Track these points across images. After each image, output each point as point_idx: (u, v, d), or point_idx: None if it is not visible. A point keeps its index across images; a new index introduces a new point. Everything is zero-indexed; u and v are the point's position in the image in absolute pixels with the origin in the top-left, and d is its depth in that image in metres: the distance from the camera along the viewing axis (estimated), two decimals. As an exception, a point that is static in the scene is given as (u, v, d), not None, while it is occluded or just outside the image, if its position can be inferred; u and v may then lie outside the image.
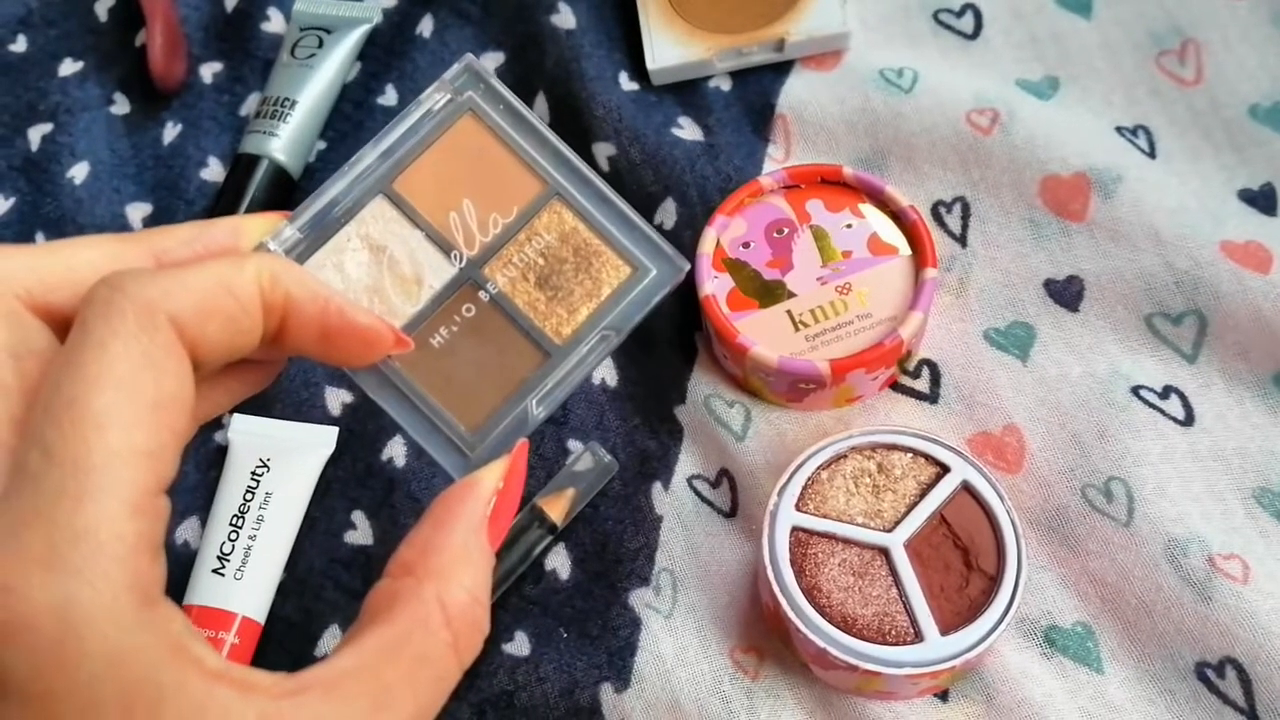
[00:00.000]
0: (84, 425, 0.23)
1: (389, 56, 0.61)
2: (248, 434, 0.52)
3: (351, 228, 0.32)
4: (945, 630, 0.43)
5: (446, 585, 0.27)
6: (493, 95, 0.33)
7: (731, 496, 0.49)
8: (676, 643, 0.47)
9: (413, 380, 0.32)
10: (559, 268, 0.33)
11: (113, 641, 0.22)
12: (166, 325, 0.25)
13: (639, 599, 0.48)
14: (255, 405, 0.53)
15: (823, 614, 0.43)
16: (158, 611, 0.24)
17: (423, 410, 0.31)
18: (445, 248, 0.33)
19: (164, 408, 0.25)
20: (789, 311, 0.49)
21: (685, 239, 0.53)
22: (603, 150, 0.55)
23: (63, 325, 0.27)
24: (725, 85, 0.57)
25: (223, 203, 0.56)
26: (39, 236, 0.58)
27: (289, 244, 0.32)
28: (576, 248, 0.33)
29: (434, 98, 0.33)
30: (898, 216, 0.50)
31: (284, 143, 0.57)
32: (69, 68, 0.62)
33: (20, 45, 0.63)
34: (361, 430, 0.52)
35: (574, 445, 0.51)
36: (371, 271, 0.32)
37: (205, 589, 0.48)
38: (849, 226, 0.50)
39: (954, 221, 0.52)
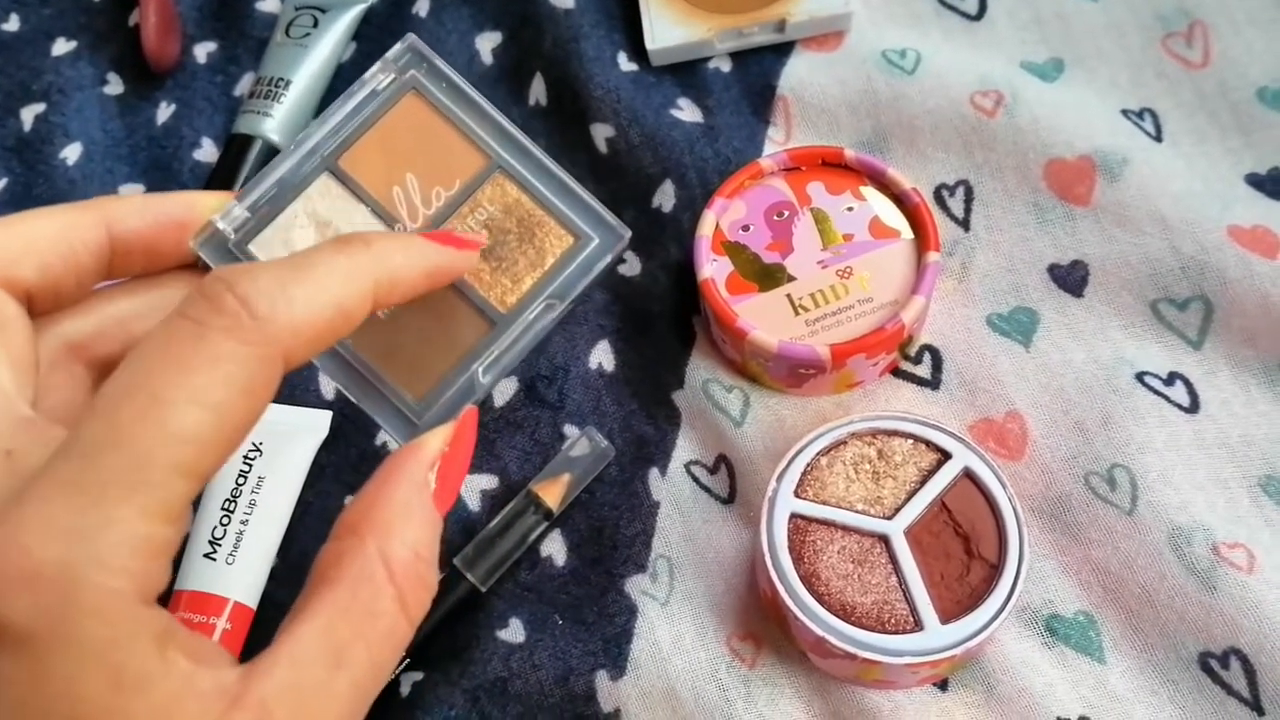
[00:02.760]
0: (164, 432, 0.23)
1: (385, 36, 0.60)
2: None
3: (298, 205, 0.33)
4: (945, 619, 0.42)
5: (389, 541, 0.27)
6: (435, 73, 0.34)
7: (729, 483, 0.49)
8: (673, 630, 0.46)
9: (358, 351, 0.32)
10: (503, 239, 0.33)
11: (109, 631, 0.23)
12: (279, 358, 0.25)
13: (635, 586, 0.48)
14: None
15: (821, 602, 0.42)
16: (153, 612, 0.24)
17: (369, 380, 0.32)
18: (389, 221, 0.33)
19: (239, 438, 0.25)
20: (789, 295, 0.48)
21: (684, 221, 0.52)
22: (601, 131, 0.54)
23: (27, 296, 0.27)
24: (725, 66, 0.56)
25: (216, 183, 0.56)
26: (31, 217, 0.58)
27: (237, 222, 0.32)
28: (520, 219, 0.34)
29: (378, 78, 0.34)
30: (900, 199, 0.49)
31: (278, 123, 0.56)
32: (62, 47, 0.62)
33: (13, 24, 0.62)
34: (355, 415, 0.52)
35: (570, 430, 0.51)
36: None
37: (197, 573, 0.48)
38: (850, 209, 0.49)
39: (957, 205, 0.51)
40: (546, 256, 0.33)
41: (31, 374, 0.28)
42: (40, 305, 0.29)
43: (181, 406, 0.24)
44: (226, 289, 0.25)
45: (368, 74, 0.34)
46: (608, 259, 0.34)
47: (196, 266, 0.32)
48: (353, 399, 0.32)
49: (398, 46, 0.34)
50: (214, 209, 0.31)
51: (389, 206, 0.33)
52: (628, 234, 0.34)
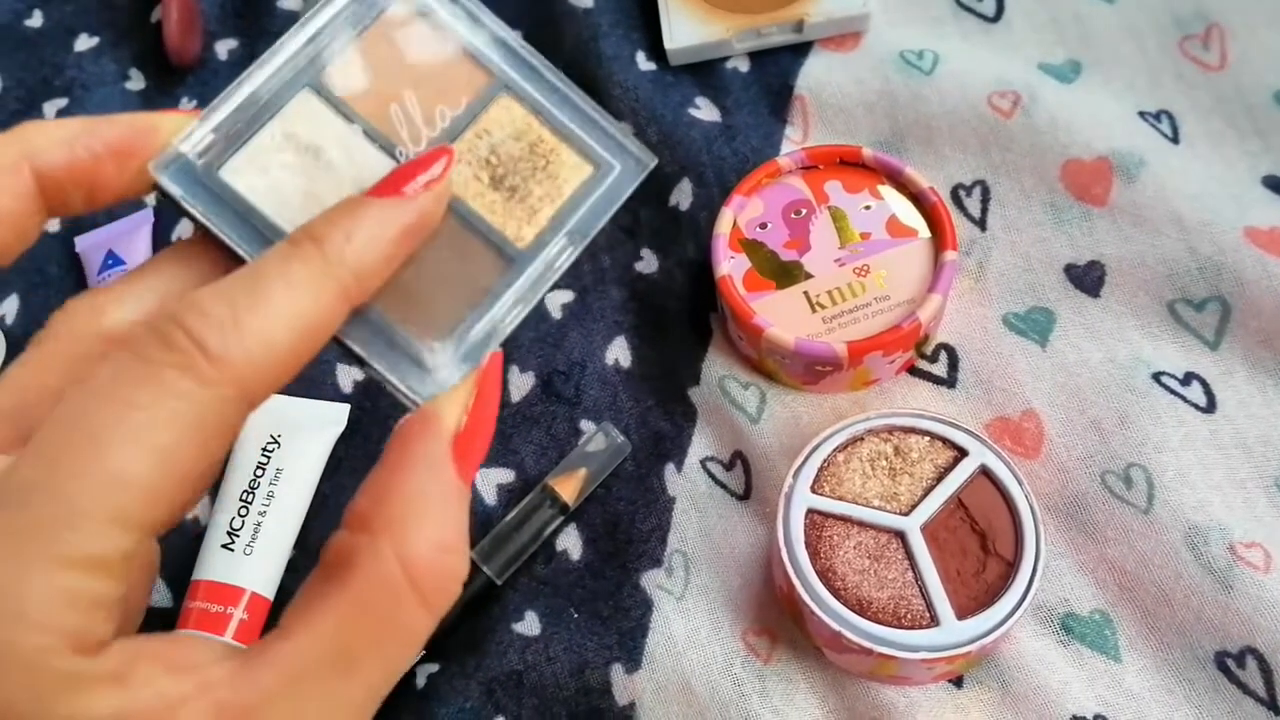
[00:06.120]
0: (100, 476, 0.21)
1: (405, 35, 0.61)
2: (258, 410, 0.51)
3: (275, 125, 0.28)
4: (961, 615, 0.42)
5: (405, 539, 0.24)
6: None
7: (745, 479, 0.49)
8: (688, 624, 0.47)
9: None
10: (514, 167, 0.29)
11: (37, 692, 0.21)
12: (239, 397, 0.23)
13: (651, 580, 0.48)
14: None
15: (837, 597, 0.43)
16: (95, 659, 0.22)
17: (379, 326, 0.27)
18: (387, 145, 0.29)
19: (193, 486, 0.23)
20: (806, 293, 0.48)
21: (701, 219, 0.53)
22: (619, 130, 0.55)
23: None
24: (743, 66, 0.56)
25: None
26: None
27: (200, 145, 0.27)
28: (532, 145, 0.30)
29: None
30: (917, 198, 0.49)
31: (299, 119, 0.57)
32: (85, 43, 0.62)
33: (36, 20, 0.63)
34: (373, 408, 0.52)
35: (587, 425, 0.51)
36: (305, 175, 0.28)
37: (214, 564, 0.48)
38: (868, 208, 0.50)
39: (974, 205, 0.52)
40: (564, 187, 0.29)
41: None
42: None
43: (121, 448, 0.21)
44: (175, 325, 0.22)
45: None
46: (632, 188, 0.30)
47: (154, 199, 0.28)
48: (358, 350, 0.27)
49: None
50: (169, 132, 0.27)
51: (386, 128, 0.29)
52: (653, 161, 0.30)
